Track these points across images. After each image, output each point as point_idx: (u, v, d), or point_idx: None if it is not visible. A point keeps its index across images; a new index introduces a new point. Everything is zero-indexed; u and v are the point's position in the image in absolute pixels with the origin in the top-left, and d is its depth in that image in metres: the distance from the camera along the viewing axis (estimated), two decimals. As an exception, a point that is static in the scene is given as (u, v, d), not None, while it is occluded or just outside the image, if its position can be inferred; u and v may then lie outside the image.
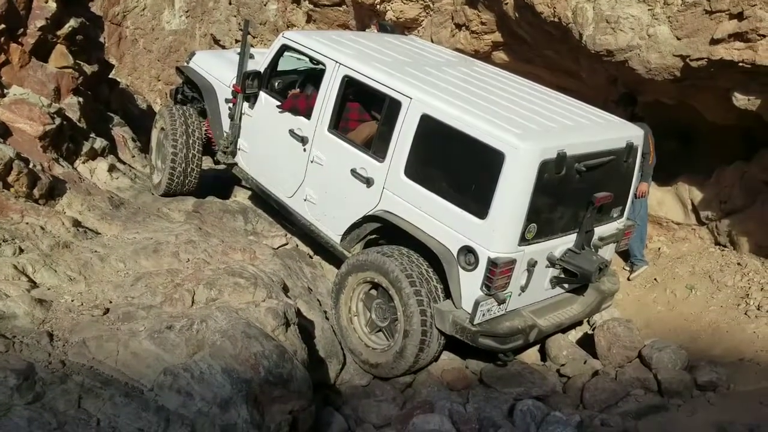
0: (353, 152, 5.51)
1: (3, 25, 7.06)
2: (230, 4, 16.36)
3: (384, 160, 5.22)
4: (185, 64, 7.69)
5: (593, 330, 5.73)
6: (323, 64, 5.86)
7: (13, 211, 5.38)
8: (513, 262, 4.63)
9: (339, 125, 5.84)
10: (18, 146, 6.27)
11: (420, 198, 4.98)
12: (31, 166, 6.07)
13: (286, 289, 5.20)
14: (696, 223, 7.39)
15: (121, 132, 8.78)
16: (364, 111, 6.29)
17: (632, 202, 7.01)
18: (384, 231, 5.41)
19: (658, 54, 6.35)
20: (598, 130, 5.23)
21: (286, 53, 6.43)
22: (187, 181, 6.96)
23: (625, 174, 5.39)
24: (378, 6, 10.49)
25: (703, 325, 6.15)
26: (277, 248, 6.34)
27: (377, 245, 5.48)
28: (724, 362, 5.42)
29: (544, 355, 5.68)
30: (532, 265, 4.80)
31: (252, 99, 6.46)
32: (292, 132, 5.98)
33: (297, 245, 6.72)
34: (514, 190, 4.51)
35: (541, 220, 4.71)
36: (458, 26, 8.57)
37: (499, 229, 4.57)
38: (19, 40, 7.41)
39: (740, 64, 5.88)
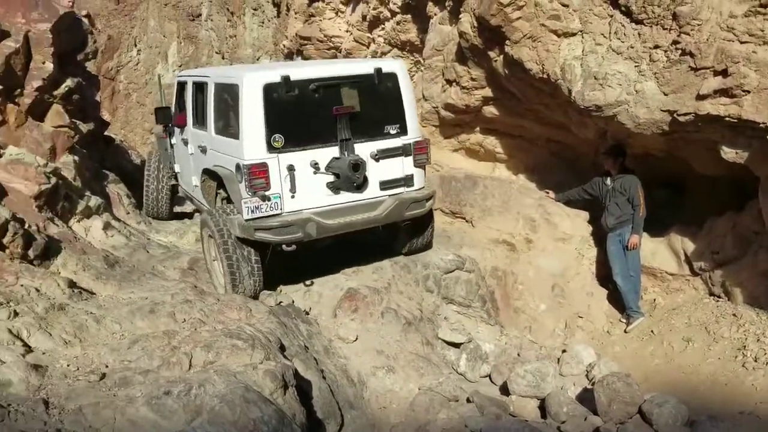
0: (199, 134, 6.99)
1: (0, 86, 7.15)
2: (223, 58, 16.64)
3: (207, 128, 6.69)
4: None
5: (593, 385, 5.69)
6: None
7: (8, 273, 5.36)
8: (264, 165, 5.87)
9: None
10: (13, 206, 6.29)
11: (220, 144, 6.42)
12: (26, 226, 6.06)
13: (282, 349, 5.16)
14: (690, 273, 7.37)
15: (116, 189, 8.83)
16: None
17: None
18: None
19: (646, 109, 6.47)
20: (333, 66, 6.68)
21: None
22: (159, 206, 8.88)
23: (386, 95, 6.39)
24: (370, 62, 10.65)
25: (702, 377, 6.11)
26: (274, 305, 6.30)
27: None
28: (724, 416, 5.38)
29: (544, 412, 5.61)
30: (291, 170, 5.96)
31: (173, 130, 8.05)
32: (183, 141, 7.58)
33: (293, 301, 6.68)
34: (249, 110, 5.86)
35: (288, 131, 5.94)
36: (449, 82, 8.72)
37: (247, 142, 5.89)
38: (16, 100, 7.51)
39: (726, 118, 5.98)
